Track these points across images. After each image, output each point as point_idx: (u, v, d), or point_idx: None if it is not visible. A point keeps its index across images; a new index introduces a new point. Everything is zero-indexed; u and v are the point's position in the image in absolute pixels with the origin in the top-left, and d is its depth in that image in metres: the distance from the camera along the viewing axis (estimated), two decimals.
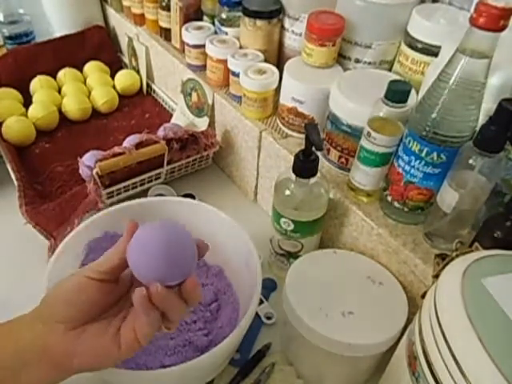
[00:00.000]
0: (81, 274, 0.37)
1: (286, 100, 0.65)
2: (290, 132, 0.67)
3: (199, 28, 0.77)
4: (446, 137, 0.46)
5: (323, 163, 0.63)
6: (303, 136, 0.51)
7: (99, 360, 0.37)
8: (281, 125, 0.68)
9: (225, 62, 0.71)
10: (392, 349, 0.45)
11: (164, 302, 0.35)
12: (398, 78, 0.57)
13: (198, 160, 0.77)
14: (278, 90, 0.68)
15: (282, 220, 0.57)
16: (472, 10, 0.39)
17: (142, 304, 0.35)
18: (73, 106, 0.88)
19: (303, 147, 0.52)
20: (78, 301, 0.36)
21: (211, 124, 0.79)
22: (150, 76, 0.98)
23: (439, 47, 0.53)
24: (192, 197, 0.75)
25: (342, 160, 0.61)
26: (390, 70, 0.63)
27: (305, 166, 0.53)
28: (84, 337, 0.36)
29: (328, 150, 0.62)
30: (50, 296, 0.38)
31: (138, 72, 0.99)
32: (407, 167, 0.50)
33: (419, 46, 0.56)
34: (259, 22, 0.68)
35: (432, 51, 0.55)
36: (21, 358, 0.36)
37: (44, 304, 0.38)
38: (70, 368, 0.37)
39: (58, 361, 0.36)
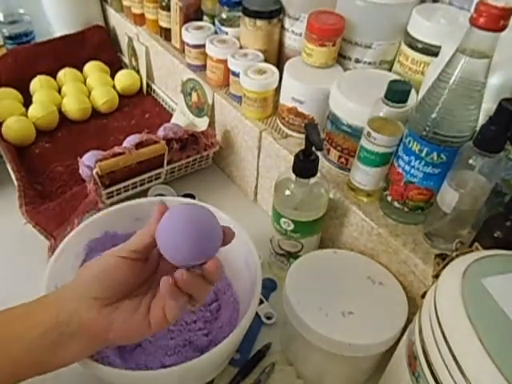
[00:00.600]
0: (114, 254, 0.40)
1: (285, 100, 0.65)
2: (290, 132, 0.67)
3: (199, 28, 0.77)
4: (446, 137, 0.46)
5: (323, 163, 0.63)
6: (303, 136, 0.51)
7: (132, 335, 0.40)
8: (281, 125, 0.68)
9: (225, 61, 0.71)
10: (392, 349, 0.45)
11: (189, 286, 0.38)
12: (398, 77, 0.57)
13: (198, 160, 0.77)
14: (278, 89, 0.68)
15: (282, 220, 0.57)
16: (472, 9, 0.39)
17: (170, 291, 0.37)
18: (73, 106, 0.88)
19: (303, 147, 0.52)
20: (112, 279, 0.39)
21: (211, 124, 0.79)
22: (149, 76, 0.98)
23: (439, 47, 0.53)
24: (192, 197, 0.75)
25: (342, 160, 0.61)
26: (390, 69, 0.63)
27: (305, 166, 0.53)
28: (117, 313, 0.39)
29: (328, 150, 0.62)
30: (84, 274, 0.40)
31: (138, 72, 0.99)
32: (407, 167, 0.50)
33: (419, 45, 0.56)
34: (259, 22, 0.68)
35: (432, 51, 0.55)
36: (60, 332, 0.38)
37: (79, 281, 0.40)
38: (105, 341, 0.40)
39: (93, 335, 0.39)
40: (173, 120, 0.86)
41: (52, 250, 0.63)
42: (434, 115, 0.45)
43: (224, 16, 0.74)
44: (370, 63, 0.63)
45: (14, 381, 0.38)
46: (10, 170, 0.73)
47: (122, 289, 0.40)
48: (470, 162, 0.44)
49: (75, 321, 0.38)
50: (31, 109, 0.85)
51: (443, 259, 0.41)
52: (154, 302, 0.40)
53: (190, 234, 0.37)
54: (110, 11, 1.03)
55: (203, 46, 0.74)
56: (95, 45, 1.01)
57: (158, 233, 0.39)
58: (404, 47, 0.59)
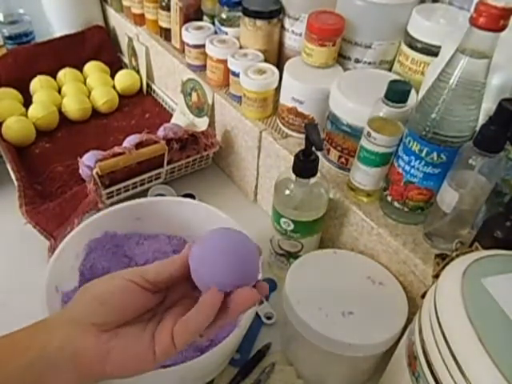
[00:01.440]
0: (125, 277, 0.36)
1: (285, 100, 0.65)
2: (290, 132, 0.67)
3: (199, 28, 0.77)
4: (446, 137, 0.46)
5: (323, 163, 0.63)
6: (303, 136, 0.51)
7: (134, 366, 0.35)
8: (281, 125, 0.68)
9: (225, 62, 0.71)
10: (392, 349, 0.46)
11: (226, 317, 0.35)
12: (398, 77, 0.57)
13: (198, 160, 0.77)
14: (278, 89, 0.68)
15: (282, 220, 0.57)
16: (472, 9, 0.39)
17: (214, 309, 0.34)
18: (73, 106, 0.88)
19: (303, 147, 0.52)
20: (119, 305, 0.35)
21: (211, 124, 0.79)
22: (149, 76, 0.98)
23: (439, 47, 0.53)
24: (192, 197, 0.75)
25: (342, 160, 0.61)
26: (390, 69, 0.63)
27: (305, 166, 0.53)
28: (117, 340, 0.34)
29: (328, 150, 0.62)
30: (86, 297, 0.36)
31: (138, 72, 0.99)
32: (407, 167, 0.50)
33: (419, 45, 0.56)
34: (259, 22, 0.68)
35: (432, 51, 0.55)
36: (48, 362, 0.33)
37: (78, 305, 0.36)
38: (102, 374, 0.35)
39: (87, 367, 0.34)
40: (173, 120, 0.86)
41: (52, 250, 0.63)
42: (433, 115, 0.45)
43: (224, 16, 0.74)
44: (370, 63, 0.63)
45: None
46: (10, 170, 0.73)
47: (125, 315, 0.35)
48: (470, 162, 0.44)
49: (67, 350, 0.33)
50: (31, 109, 0.85)
51: (443, 259, 0.41)
52: (159, 328, 0.35)
53: (237, 260, 0.35)
54: (110, 11, 1.03)
55: (203, 46, 0.74)
56: (95, 45, 1.01)
57: (193, 258, 0.36)
58: (404, 47, 0.59)
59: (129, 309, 0.35)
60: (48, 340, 0.33)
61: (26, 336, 0.34)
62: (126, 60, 1.04)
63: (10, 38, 0.99)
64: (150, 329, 0.36)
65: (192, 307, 0.35)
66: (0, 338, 0.34)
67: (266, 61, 0.71)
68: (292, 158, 0.53)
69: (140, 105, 0.96)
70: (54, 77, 0.94)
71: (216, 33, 0.77)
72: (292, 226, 0.57)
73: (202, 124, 0.80)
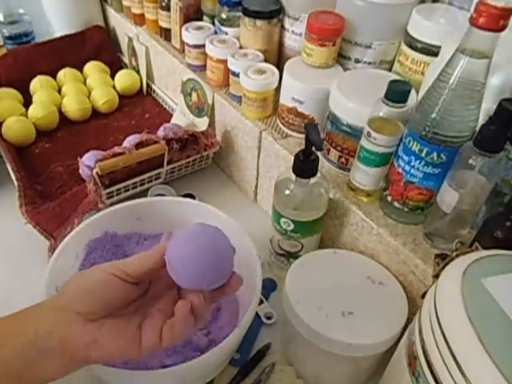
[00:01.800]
0: (107, 271, 0.37)
1: (285, 100, 0.65)
2: (290, 132, 0.67)
3: (199, 28, 0.77)
4: (446, 137, 0.46)
5: (323, 163, 0.63)
6: (303, 136, 0.51)
7: (118, 355, 0.37)
8: (281, 125, 0.68)
9: (225, 62, 0.71)
10: (392, 349, 0.45)
11: (203, 312, 0.37)
12: (398, 77, 0.57)
13: (197, 160, 0.77)
14: (278, 89, 0.68)
15: (282, 220, 0.57)
16: (472, 9, 0.39)
17: (186, 317, 0.36)
18: (73, 106, 0.88)
19: (303, 147, 0.52)
20: (103, 296, 0.36)
21: (211, 124, 0.79)
22: (149, 76, 0.98)
23: (439, 47, 0.53)
24: (192, 197, 0.75)
25: (342, 160, 0.61)
26: (390, 69, 0.63)
27: (305, 166, 0.53)
28: (103, 330, 0.36)
29: (328, 150, 0.62)
30: (73, 287, 0.38)
31: (138, 72, 0.99)
32: (407, 167, 0.50)
33: (419, 45, 0.56)
34: (259, 22, 0.68)
35: (432, 51, 0.55)
36: (39, 348, 0.35)
37: (65, 294, 0.37)
38: (87, 359, 0.36)
39: (76, 352, 0.35)
40: (173, 120, 0.86)
41: (52, 250, 0.63)
42: (433, 115, 0.45)
43: (224, 16, 0.74)
44: (370, 63, 0.63)
45: None
46: (10, 170, 0.73)
47: (110, 307, 0.37)
48: (470, 162, 0.44)
49: (55, 336, 0.35)
50: (31, 109, 0.85)
51: (443, 259, 0.41)
52: (147, 323, 0.37)
53: (207, 259, 0.35)
54: (110, 11, 1.03)
55: (203, 46, 0.74)
56: (95, 45, 1.01)
57: (170, 256, 0.37)
58: (404, 47, 0.59)
59: (112, 300, 0.37)
60: (37, 327, 0.35)
61: (16, 323, 0.36)
62: (126, 60, 1.04)
63: (10, 38, 0.99)
64: (136, 321, 0.37)
65: (176, 299, 0.38)
66: None
67: (266, 61, 0.71)
68: (292, 158, 0.53)
69: (140, 105, 0.96)
70: (54, 77, 0.94)
71: (216, 33, 0.77)
72: (292, 226, 0.57)
73: (201, 124, 0.80)
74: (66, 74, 0.95)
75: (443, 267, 0.38)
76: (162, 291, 0.40)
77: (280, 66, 0.68)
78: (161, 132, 0.74)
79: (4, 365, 0.34)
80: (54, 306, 0.36)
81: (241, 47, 0.73)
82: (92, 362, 0.38)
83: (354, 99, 0.55)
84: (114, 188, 0.70)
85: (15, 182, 0.71)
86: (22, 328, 0.35)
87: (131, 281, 0.37)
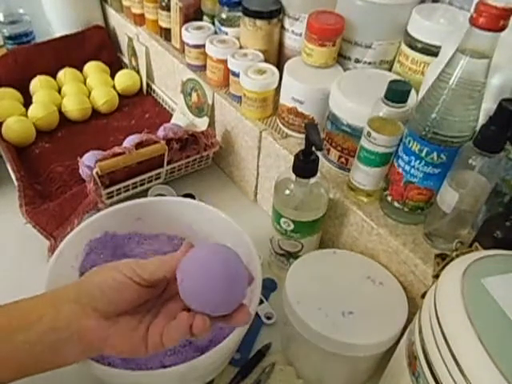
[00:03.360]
0: (122, 272, 0.38)
1: (285, 100, 0.65)
2: (290, 132, 0.67)
3: (199, 28, 0.77)
4: (446, 137, 0.46)
5: (323, 163, 0.63)
6: (303, 136, 0.51)
7: (128, 353, 0.39)
8: (281, 125, 0.68)
9: (225, 62, 0.71)
10: (392, 349, 0.45)
11: (203, 334, 0.37)
12: (398, 77, 0.57)
13: (197, 160, 0.77)
14: (278, 89, 0.68)
15: (282, 220, 0.57)
16: (472, 9, 0.39)
17: (184, 333, 0.37)
18: (73, 106, 0.88)
19: (303, 147, 0.52)
20: (118, 297, 0.38)
21: (211, 124, 0.79)
22: (149, 76, 0.98)
23: (439, 47, 0.53)
24: (192, 197, 0.75)
25: (342, 160, 0.61)
26: (389, 69, 0.63)
27: (305, 166, 0.53)
28: (115, 328, 0.38)
29: (328, 150, 0.62)
30: (89, 283, 0.38)
31: (138, 72, 0.99)
32: (407, 167, 0.50)
33: (419, 45, 0.56)
34: (259, 22, 0.68)
35: (432, 51, 0.55)
36: (58, 336, 0.36)
37: (81, 287, 0.39)
38: (101, 350, 0.38)
39: (91, 342, 0.37)
40: (173, 120, 0.86)
41: (52, 250, 0.63)
42: (433, 115, 0.45)
43: (224, 16, 0.74)
44: (370, 63, 0.63)
45: (19, 376, 0.37)
46: (9, 170, 0.73)
47: (123, 306, 0.38)
48: (470, 162, 0.44)
49: (73, 328, 0.37)
50: (31, 109, 0.85)
51: (443, 259, 0.41)
52: (153, 324, 0.39)
53: (222, 286, 0.35)
54: (110, 11, 1.03)
55: (203, 46, 0.74)
56: (95, 45, 1.01)
57: (182, 275, 0.36)
58: (404, 47, 0.59)
59: (127, 301, 0.38)
60: (56, 315, 0.37)
61: (34, 308, 0.37)
62: (126, 60, 1.04)
63: (10, 38, 0.99)
64: (147, 321, 0.39)
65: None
66: (6, 306, 0.38)
67: (266, 61, 0.71)
68: (292, 158, 0.53)
69: (140, 105, 0.96)
70: (54, 77, 0.94)
71: (216, 33, 0.77)
72: (292, 226, 0.57)
73: (201, 124, 0.80)
74: (66, 74, 0.95)
75: (443, 267, 0.38)
76: (176, 293, 0.39)
77: (280, 66, 0.68)
78: (161, 132, 0.74)
79: (23, 350, 0.36)
80: (73, 297, 0.38)
81: (241, 47, 0.73)
82: (106, 354, 0.40)
83: (354, 99, 0.55)
84: (114, 188, 0.70)
85: (15, 182, 0.71)
86: (41, 315, 0.37)
87: (146, 284, 0.38)
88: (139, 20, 0.92)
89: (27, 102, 0.89)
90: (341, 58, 0.65)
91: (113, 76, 0.97)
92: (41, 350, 0.36)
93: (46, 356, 0.37)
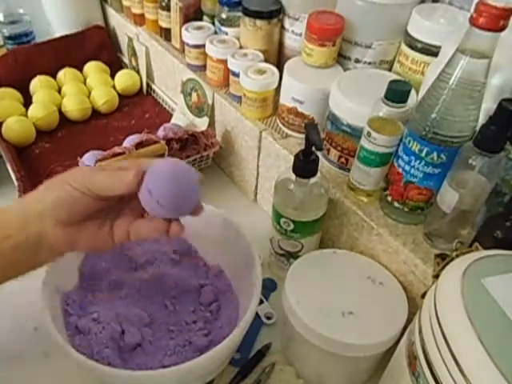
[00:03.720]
0: (73, 186, 0.40)
1: (285, 100, 0.65)
2: (290, 132, 0.67)
3: (199, 28, 0.77)
4: (445, 137, 0.46)
5: (323, 163, 0.63)
6: (303, 136, 0.51)
7: (95, 249, 0.47)
8: (281, 125, 0.68)
9: (225, 62, 0.71)
10: (392, 349, 0.45)
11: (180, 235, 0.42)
12: (398, 77, 0.57)
13: (197, 160, 0.77)
14: (278, 89, 0.68)
15: (282, 220, 0.57)
16: (472, 10, 0.39)
17: (159, 235, 0.42)
18: (73, 106, 0.88)
19: (303, 147, 0.52)
20: (75, 209, 0.41)
21: (211, 124, 0.79)
22: (149, 76, 0.98)
23: (439, 47, 0.53)
24: None
25: (342, 160, 0.61)
26: (389, 69, 0.63)
27: (305, 166, 0.53)
28: (82, 231, 0.42)
29: (328, 150, 0.62)
30: (47, 196, 0.41)
31: (137, 72, 0.99)
32: (407, 167, 0.50)
33: (419, 45, 0.56)
34: (259, 22, 0.68)
35: (432, 51, 0.55)
36: (30, 245, 0.40)
37: (42, 201, 0.41)
38: (73, 251, 0.43)
39: (61, 248, 0.42)
40: (173, 120, 0.86)
41: None
42: (433, 115, 0.45)
43: (224, 16, 0.74)
44: (370, 63, 0.63)
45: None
46: (9, 170, 0.73)
47: (84, 214, 0.41)
48: (470, 162, 0.44)
49: (43, 240, 0.40)
50: (31, 109, 0.85)
51: (443, 259, 0.41)
52: (117, 224, 0.43)
53: (186, 192, 0.40)
54: (110, 11, 1.03)
55: (203, 46, 0.74)
56: (95, 45, 1.01)
57: (151, 188, 0.39)
58: (404, 47, 0.59)
59: (84, 210, 0.41)
60: (26, 228, 0.40)
61: (4, 224, 0.41)
62: (126, 60, 1.04)
63: (10, 37, 0.99)
64: (110, 221, 0.43)
65: None
66: None
67: (266, 61, 0.71)
68: (292, 158, 0.53)
69: (140, 105, 0.96)
70: (54, 77, 0.94)
71: (216, 33, 0.77)
72: (292, 226, 0.57)
73: (201, 124, 0.80)
74: (66, 74, 0.95)
75: (443, 267, 0.38)
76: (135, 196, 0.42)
77: (280, 66, 0.68)
78: (161, 132, 0.74)
79: (3, 257, 0.40)
80: (37, 212, 0.40)
81: (241, 47, 0.73)
82: (78, 251, 0.47)
83: (354, 99, 0.55)
84: None
85: (15, 182, 0.71)
86: (13, 229, 0.40)
87: (101, 198, 0.41)
88: (139, 20, 0.92)
89: (27, 102, 0.88)
90: (341, 58, 0.65)
91: (113, 76, 0.97)
92: (16, 258, 0.41)
93: (21, 263, 0.41)
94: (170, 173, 0.40)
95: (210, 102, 0.76)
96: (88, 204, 0.40)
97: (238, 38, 0.73)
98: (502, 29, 0.39)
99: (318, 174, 0.54)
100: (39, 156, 0.82)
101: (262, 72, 0.67)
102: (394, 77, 0.58)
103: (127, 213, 0.44)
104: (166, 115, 0.91)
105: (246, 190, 0.78)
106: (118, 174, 0.40)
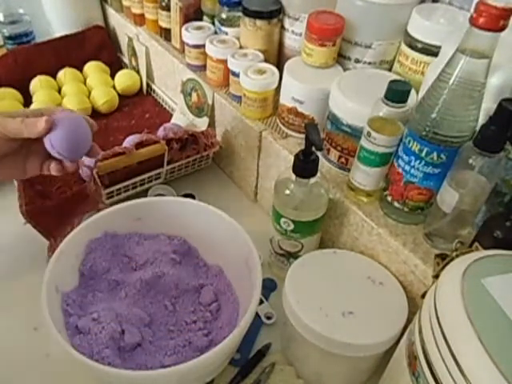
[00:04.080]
0: None
1: (285, 100, 0.65)
2: (290, 132, 0.67)
3: (199, 28, 0.77)
4: (445, 137, 0.46)
5: (323, 163, 0.63)
6: (303, 136, 0.51)
7: (10, 179, 0.64)
8: (281, 125, 0.68)
9: (225, 62, 0.71)
10: (392, 349, 0.45)
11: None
12: (398, 77, 0.57)
13: (197, 160, 0.77)
14: (278, 90, 0.68)
15: (282, 220, 0.57)
16: (472, 9, 0.39)
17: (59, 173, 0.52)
18: (73, 106, 0.88)
19: (303, 147, 0.52)
20: None
21: (211, 124, 0.79)
22: (149, 76, 0.98)
23: (439, 47, 0.53)
24: (192, 197, 0.75)
25: (342, 160, 0.61)
26: (389, 69, 0.63)
27: (305, 166, 0.53)
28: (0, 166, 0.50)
29: (328, 150, 0.62)
30: None
31: (137, 72, 0.99)
32: (407, 167, 0.50)
33: (419, 45, 0.56)
34: (259, 22, 0.68)
35: (432, 51, 0.55)
36: None
37: None
38: None
39: None
40: (173, 120, 0.86)
41: (52, 250, 0.63)
42: (433, 115, 0.45)
43: (224, 16, 0.74)
44: (370, 63, 0.63)
45: None
46: None
47: (1, 151, 0.49)
48: (470, 162, 0.44)
49: None
50: None
51: (443, 259, 0.41)
52: (30, 160, 0.52)
53: (79, 140, 0.50)
54: (110, 11, 1.03)
55: (203, 46, 0.74)
56: (95, 45, 1.01)
57: (52, 138, 0.47)
58: (404, 47, 0.59)
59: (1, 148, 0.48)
60: None
61: None
62: (126, 60, 1.04)
63: (10, 37, 0.99)
64: (23, 156, 0.51)
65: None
66: None
67: (266, 61, 0.71)
68: (292, 158, 0.53)
69: (140, 105, 0.96)
70: (54, 77, 0.94)
71: (216, 33, 0.77)
72: (292, 226, 0.57)
73: (201, 124, 0.80)
74: (66, 74, 0.95)
75: (443, 267, 0.38)
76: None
77: (280, 66, 0.68)
78: (161, 132, 0.74)
79: None
80: None
81: (241, 47, 0.73)
82: None
83: (354, 99, 0.55)
84: (114, 188, 0.70)
85: (15, 182, 0.70)
86: None
87: (10, 139, 0.48)
88: (139, 20, 0.92)
89: (27, 102, 0.89)
90: (341, 58, 0.65)
91: (113, 76, 0.97)
92: None
93: None
94: (67, 129, 0.48)
95: (209, 102, 0.76)
96: (2, 144, 0.48)
97: (238, 38, 0.73)
98: (502, 29, 0.39)
99: (318, 174, 0.54)
100: None
101: (261, 72, 0.67)
102: (394, 77, 0.58)
103: (40, 150, 0.50)
104: (166, 115, 0.91)
105: (246, 190, 0.78)
106: (31, 121, 0.47)
